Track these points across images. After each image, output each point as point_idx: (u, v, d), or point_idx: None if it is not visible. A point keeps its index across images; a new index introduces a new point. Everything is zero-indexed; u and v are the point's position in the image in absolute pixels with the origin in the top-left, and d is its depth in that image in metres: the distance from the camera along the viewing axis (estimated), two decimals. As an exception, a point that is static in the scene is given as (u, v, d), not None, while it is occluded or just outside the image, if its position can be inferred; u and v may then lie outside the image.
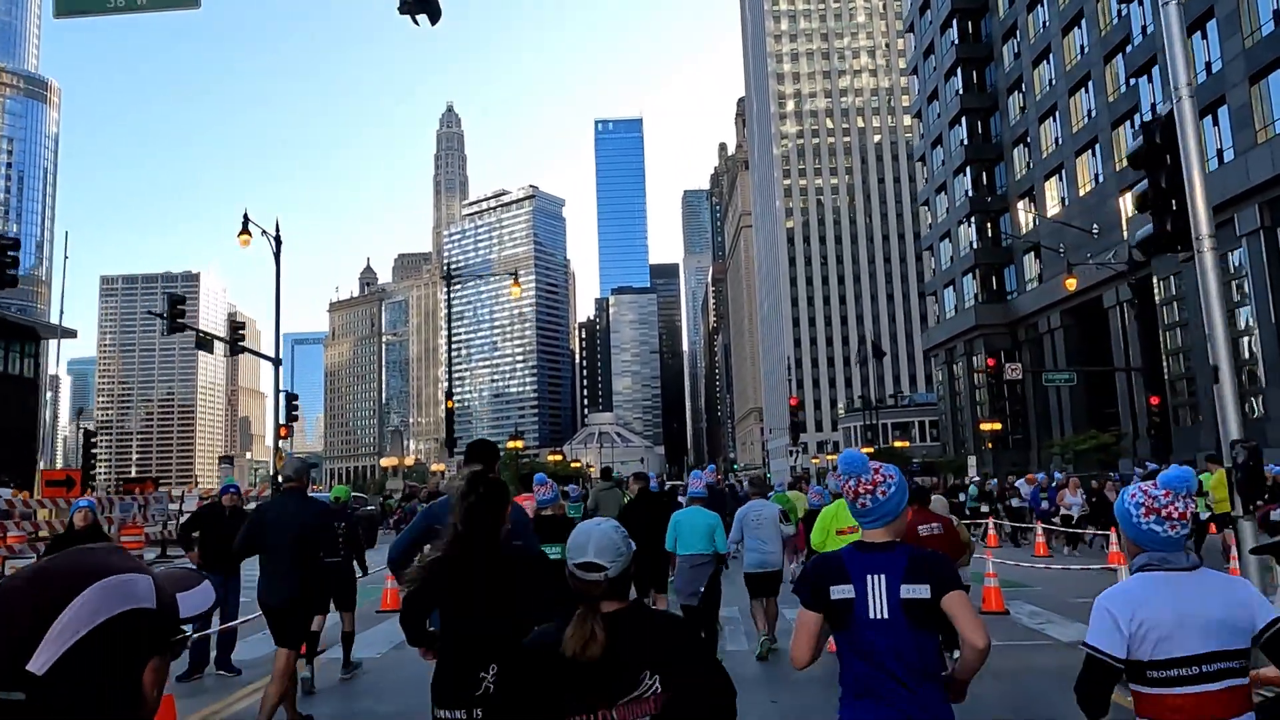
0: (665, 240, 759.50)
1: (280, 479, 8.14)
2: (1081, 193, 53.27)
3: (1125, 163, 48.92)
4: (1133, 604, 2.85)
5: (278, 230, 28.95)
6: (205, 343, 26.91)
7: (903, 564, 3.09)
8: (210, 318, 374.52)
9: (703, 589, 9.05)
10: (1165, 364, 43.67)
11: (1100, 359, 53.06)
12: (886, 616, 3.03)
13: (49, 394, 72.54)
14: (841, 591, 3.09)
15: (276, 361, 27.94)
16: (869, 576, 3.08)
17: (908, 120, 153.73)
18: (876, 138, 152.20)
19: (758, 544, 10.12)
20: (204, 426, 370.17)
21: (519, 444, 60.13)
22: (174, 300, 26.64)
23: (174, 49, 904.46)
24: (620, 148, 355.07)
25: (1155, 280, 43.30)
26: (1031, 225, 60.03)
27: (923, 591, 3.03)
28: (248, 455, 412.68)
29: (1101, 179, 51.02)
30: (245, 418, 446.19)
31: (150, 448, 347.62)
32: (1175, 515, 2.91)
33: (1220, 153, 39.75)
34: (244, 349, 27.39)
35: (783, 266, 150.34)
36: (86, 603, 1.11)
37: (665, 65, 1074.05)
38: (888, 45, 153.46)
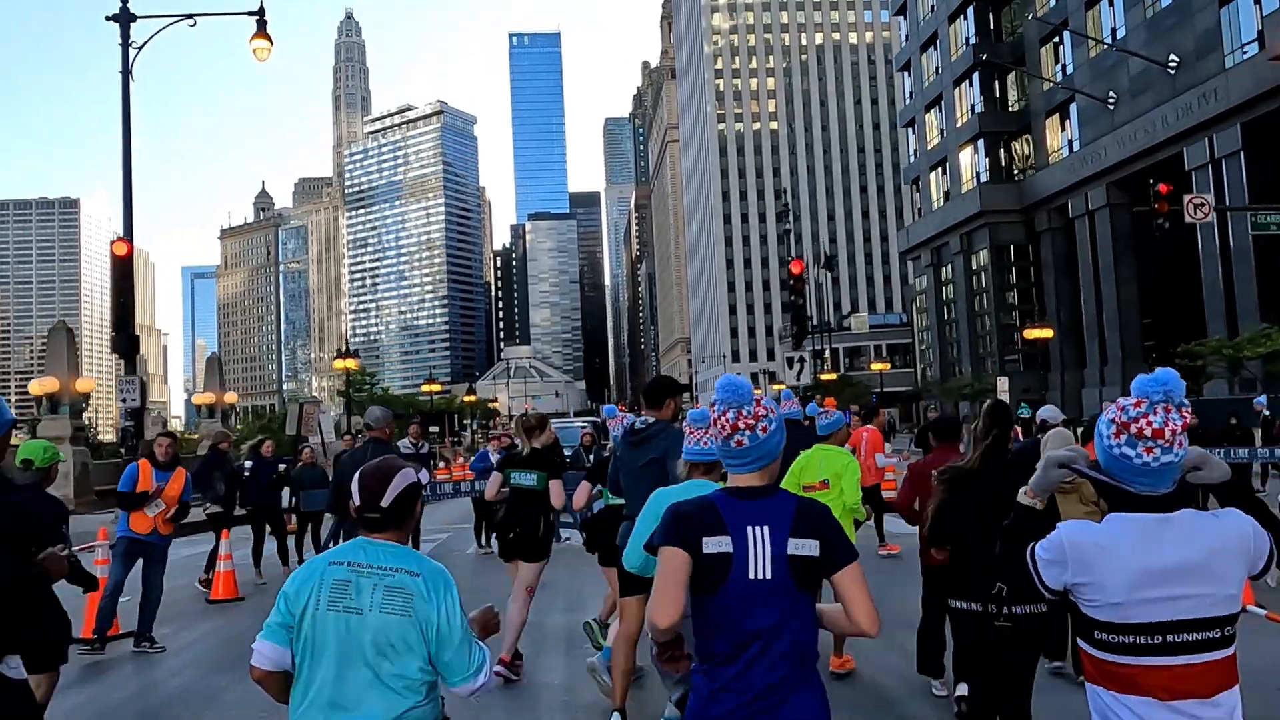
0: (586, 172, 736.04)
1: (365, 426, 7.98)
2: (1148, 15, 38.42)
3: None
4: (1090, 552, 2.25)
5: None
6: None
7: (789, 513, 2.50)
8: (93, 247, 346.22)
9: None
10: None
11: (1162, 252, 38.72)
12: (769, 577, 2.44)
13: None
14: (717, 544, 2.46)
15: None
16: (750, 528, 2.48)
17: (853, 16, 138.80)
18: (819, 36, 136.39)
19: None
20: (92, 367, 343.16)
21: (353, 364, 43.66)
22: None
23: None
24: (537, 63, 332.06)
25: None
26: (1060, 75, 45.15)
27: (812, 548, 2.46)
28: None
29: (1186, -13, 36.16)
30: (141, 357, 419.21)
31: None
32: (1149, 433, 2.19)
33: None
34: None
35: (713, 179, 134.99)
36: (399, 477, 2.69)
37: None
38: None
